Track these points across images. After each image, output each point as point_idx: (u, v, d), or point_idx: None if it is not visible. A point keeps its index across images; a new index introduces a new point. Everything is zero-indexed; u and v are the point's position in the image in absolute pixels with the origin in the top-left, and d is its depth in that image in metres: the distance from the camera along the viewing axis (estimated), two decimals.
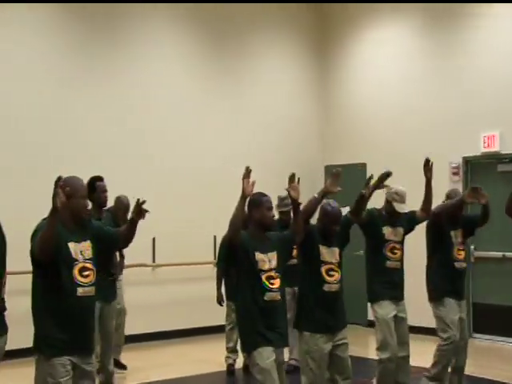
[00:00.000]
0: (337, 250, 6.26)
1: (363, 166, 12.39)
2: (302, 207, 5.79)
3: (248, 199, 5.47)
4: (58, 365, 4.90)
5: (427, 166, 7.02)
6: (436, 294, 7.34)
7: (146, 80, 11.52)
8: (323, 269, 6.13)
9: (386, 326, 6.93)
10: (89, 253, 5.07)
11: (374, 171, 6.73)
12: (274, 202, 6.83)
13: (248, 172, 5.41)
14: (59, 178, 4.63)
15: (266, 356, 5.48)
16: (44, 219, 4.93)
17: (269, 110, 12.96)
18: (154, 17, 11.68)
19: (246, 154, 11.44)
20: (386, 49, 12.87)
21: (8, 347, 5.22)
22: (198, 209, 10.58)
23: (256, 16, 12.86)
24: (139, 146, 11.26)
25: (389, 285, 7.08)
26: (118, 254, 8.76)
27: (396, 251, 7.12)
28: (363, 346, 10.82)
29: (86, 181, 5.79)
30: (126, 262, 9.20)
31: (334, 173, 6.01)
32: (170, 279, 10.61)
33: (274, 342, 5.58)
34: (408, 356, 7.09)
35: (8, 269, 5.16)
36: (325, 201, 6.17)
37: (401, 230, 7.16)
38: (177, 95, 11.86)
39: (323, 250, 6.14)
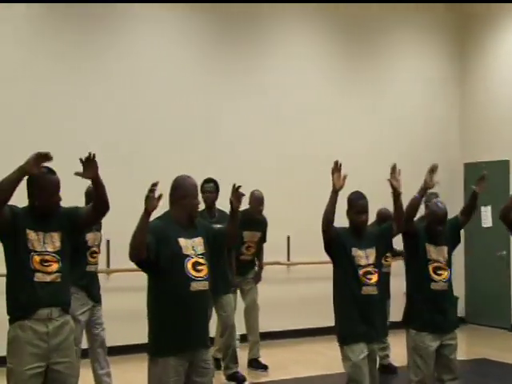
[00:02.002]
0: (445, 248, 6.14)
1: (506, 163, 12.14)
2: (405, 206, 5.80)
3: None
4: (171, 365, 4.81)
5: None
6: None
7: (285, 80, 11.60)
8: (430, 267, 6.02)
9: None
10: (201, 248, 5.01)
11: None
12: None
13: (337, 166, 5.50)
14: (155, 184, 4.64)
15: (357, 352, 5.53)
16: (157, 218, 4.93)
17: (405, 108, 12.80)
18: (287, 17, 11.73)
19: (383, 153, 11.53)
20: None
21: None
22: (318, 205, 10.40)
23: (391, 16, 12.66)
24: (285, 148, 11.41)
25: None
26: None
27: None
28: (505, 350, 10.39)
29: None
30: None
31: (431, 167, 5.89)
32: (304, 277, 10.58)
33: (368, 338, 5.61)
34: None
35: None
36: (434, 200, 6.23)
37: None
38: (313, 95, 11.84)
39: (430, 248, 6.04)
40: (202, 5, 10.87)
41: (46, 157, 4.45)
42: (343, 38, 12.24)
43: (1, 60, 9.54)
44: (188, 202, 4.99)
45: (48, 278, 4.68)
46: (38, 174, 4.62)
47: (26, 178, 4.63)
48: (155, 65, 10.59)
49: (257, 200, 8.91)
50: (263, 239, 9.24)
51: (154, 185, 4.63)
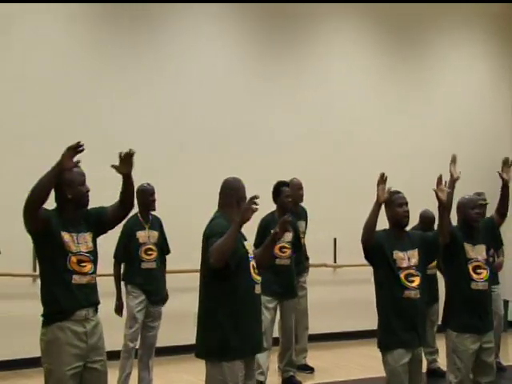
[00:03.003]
0: (483, 247, 6.07)
1: None
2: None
3: None
4: (234, 368, 4.77)
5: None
6: None
7: (332, 79, 11.64)
8: (470, 266, 5.96)
9: None
10: (252, 250, 5.00)
11: None
12: None
13: (382, 178, 5.39)
14: (256, 197, 4.60)
15: (398, 358, 5.43)
16: (212, 222, 4.91)
17: (452, 108, 12.69)
18: (335, 18, 11.73)
19: (435, 154, 11.31)
20: None
21: None
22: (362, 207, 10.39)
23: (442, 16, 12.58)
24: (332, 151, 11.38)
25: None
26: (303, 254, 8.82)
27: None
28: None
29: None
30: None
31: (452, 158, 6.00)
32: (350, 279, 10.56)
33: (410, 343, 5.50)
34: None
35: None
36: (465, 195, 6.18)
37: None
38: (365, 97, 11.89)
39: (468, 247, 5.98)
40: (252, 6, 10.93)
41: (77, 148, 4.42)
42: (395, 38, 12.17)
43: (54, 58, 9.57)
44: (242, 205, 4.80)
45: (84, 280, 4.69)
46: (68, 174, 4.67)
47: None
48: (202, 66, 10.62)
49: (296, 185, 8.77)
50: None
51: (256, 197, 4.61)
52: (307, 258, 9.03)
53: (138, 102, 10.05)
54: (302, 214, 8.88)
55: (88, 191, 4.80)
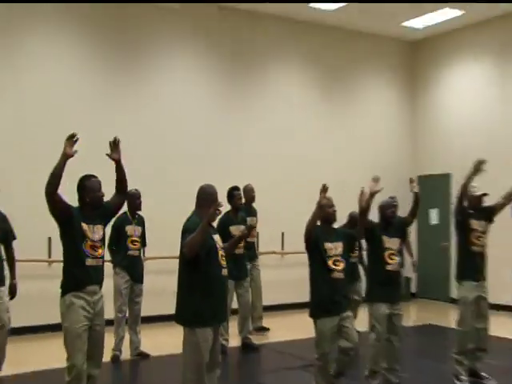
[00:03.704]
0: (397, 239, 6.14)
1: (448, 176, 12.07)
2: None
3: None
4: (205, 334, 4.74)
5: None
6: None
7: (283, 108, 11.64)
8: (386, 254, 6.02)
9: (466, 305, 6.53)
10: (220, 242, 4.97)
11: (457, 179, 6.39)
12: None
13: (324, 188, 5.51)
14: (219, 204, 4.66)
15: (326, 323, 5.54)
16: (188, 220, 4.87)
17: (369, 132, 12.76)
18: (281, 64, 11.62)
19: (355, 168, 11.55)
20: (463, 82, 12.48)
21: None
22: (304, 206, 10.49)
23: (361, 64, 12.71)
24: (280, 162, 11.42)
25: (473, 267, 6.60)
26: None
27: (481, 238, 6.60)
28: (445, 317, 10.51)
29: None
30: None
31: (373, 178, 5.86)
32: (293, 263, 10.57)
33: (335, 312, 5.58)
34: (487, 328, 6.63)
35: None
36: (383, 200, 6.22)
37: (483, 222, 6.67)
38: (303, 119, 11.87)
39: (385, 239, 6.04)
40: (218, 57, 10.95)
41: (73, 138, 4.54)
42: (328, 82, 12.22)
43: (68, 84, 9.61)
44: (213, 207, 4.75)
45: (95, 262, 4.78)
46: (85, 179, 4.85)
47: (76, 185, 4.86)
48: (180, 99, 10.60)
49: (250, 189, 8.85)
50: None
51: (220, 205, 4.65)
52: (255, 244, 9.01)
53: (133, 122, 10.00)
54: (254, 212, 8.89)
55: (103, 196, 4.90)
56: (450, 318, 9.78)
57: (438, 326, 9.87)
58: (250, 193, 8.80)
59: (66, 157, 4.53)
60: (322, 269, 5.56)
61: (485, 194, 6.65)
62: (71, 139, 4.53)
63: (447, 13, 11.46)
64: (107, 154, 4.92)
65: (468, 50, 12.27)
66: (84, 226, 4.72)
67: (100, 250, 4.82)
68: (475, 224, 6.58)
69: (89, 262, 4.73)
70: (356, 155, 12.23)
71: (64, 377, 4.71)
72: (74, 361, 4.65)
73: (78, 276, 4.72)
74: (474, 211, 6.62)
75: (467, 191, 6.52)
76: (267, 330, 9.15)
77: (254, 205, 8.94)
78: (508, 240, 8.68)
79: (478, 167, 6.38)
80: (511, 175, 10.79)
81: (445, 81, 12.75)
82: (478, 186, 6.63)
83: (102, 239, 4.88)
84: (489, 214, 6.69)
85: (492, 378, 6.57)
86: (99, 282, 4.86)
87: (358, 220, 7.64)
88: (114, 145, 4.92)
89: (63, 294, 4.75)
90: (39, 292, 8.56)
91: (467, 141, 12.03)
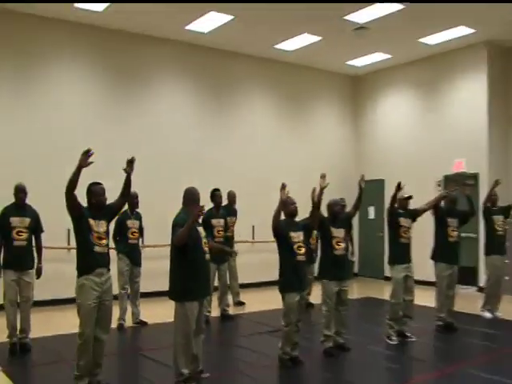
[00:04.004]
0: (343, 230, 6.12)
1: (382, 181, 12.09)
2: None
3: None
4: (192, 306, 4.74)
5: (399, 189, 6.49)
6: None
7: (251, 128, 11.54)
8: (334, 241, 6.02)
9: (398, 283, 6.60)
10: (203, 232, 4.98)
11: (390, 184, 6.43)
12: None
13: (283, 185, 5.48)
14: (202, 207, 4.67)
15: (292, 297, 5.49)
16: (177, 215, 4.84)
17: (322, 146, 12.76)
18: (248, 90, 11.58)
19: (310, 174, 11.28)
20: (392, 106, 12.58)
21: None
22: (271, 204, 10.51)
23: (316, 89, 12.66)
24: (244, 168, 11.28)
25: (402, 254, 6.69)
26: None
27: (407, 232, 6.70)
28: (380, 291, 10.49)
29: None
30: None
31: (321, 175, 5.78)
32: (263, 249, 10.51)
33: (299, 287, 5.53)
34: (412, 299, 6.74)
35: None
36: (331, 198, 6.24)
37: (409, 220, 6.76)
38: (271, 140, 11.74)
39: (333, 229, 6.04)
40: (203, 81, 10.82)
41: (88, 153, 4.48)
42: (287, 107, 12.15)
43: (82, 109, 9.37)
44: (196, 206, 4.79)
45: (101, 250, 4.73)
46: (92, 185, 4.81)
47: (86, 189, 4.81)
48: (172, 117, 10.46)
49: (232, 195, 8.87)
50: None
51: (202, 208, 4.66)
52: (232, 238, 8.82)
53: (131, 138, 9.84)
54: (234, 212, 8.84)
55: (106, 199, 4.85)
56: (384, 292, 9.85)
57: (375, 299, 9.91)
58: (232, 197, 8.86)
59: (81, 167, 4.50)
60: (288, 253, 5.49)
61: (410, 197, 6.75)
62: (86, 154, 4.49)
63: (379, 56, 11.63)
64: (124, 169, 4.90)
65: (397, 85, 12.41)
66: (91, 221, 4.68)
67: (105, 240, 4.76)
68: (403, 221, 6.68)
69: (96, 249, 4.68)
70: (311, 166, 12.11)
71: (76, 340, 4.71)
72: (84, 329, 4.64)
73: (88, 261, 4.67)
74: (403, 211, 6.72)
75: (396, 199, 6.59)
76: (243, 303, 9.09)
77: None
78: (428, 233, 8.72)
79: (397, 188, 6.44)
80: (427, 183, 10.97)
81: (380, 108, 12.83)
82: (405, 191, 6.71)
83: (107, 232, 4.84)
84: (414, 215, 6.81)
85: (414, 336, 6.67)
86: (106, 265, 4.79)
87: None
88: (130, 163, 4.90)
89: (78, 276, 4.70)
90: (60, 273, 8.37)
91: (396, 155, 12.24)
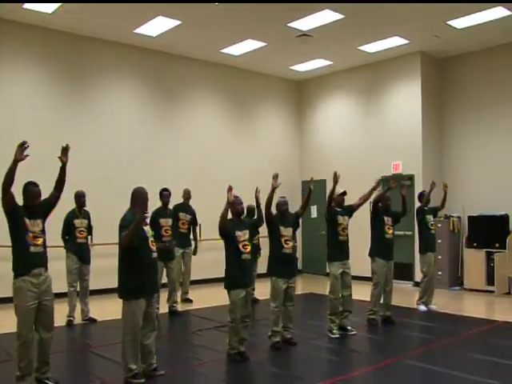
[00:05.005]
0: (291, 228, 6.15)
1: (324, 181, 12.26)
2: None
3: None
4: (139, 304, 4.72)
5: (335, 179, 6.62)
6: None
7: (201, 131, 11.48)
8: (282, 239, 6.04)
9: (336, 279, 6.69)
10: (150, 233, 4.93)
11: (329, 183, 6.56)
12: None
13: (230, 187, 5.48)
14: (145, 212, 4.69)
15: (237, 294, 5.50)
16: (124, 216, 4.79)
17: (268, 148, 12.85)
18: (199, 96, 11.57)
19: (253, 174, 11.59)
20: (334, 111, 12.79)
21: None
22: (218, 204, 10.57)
23: (262, 93, 12.75)
24: (192, 169, 11.25)
25: (340, 251, 6.77)
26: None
27: (345, 230, 6.79)
28: (322, 287, 10.67)
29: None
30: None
31: (274, 175, 5.90)
32: (210, 248, 10.51)
33: (244, 285, 5.55)
34: (351, 294, 6.86)
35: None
36: (279, 198, 6.26)
37: (346, 217, 6.85)
38: (219, 142, 11.74)
39: (282, 228, 6.05)
40: (152, 84, 10.70)
41: (23, 146, 4.25)
42: (234, 110, 12.17)
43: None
44: (145, 205, 4.85)
45: (37, 250, 4.53)
46: (28, 185, 4.59)
47: (21, 192, 4.60)
48: (122, 119, 10.33)
49: (187, 192, 8.88)
50: (195, 221, 8.87)
51: (146, 212, 4.68)
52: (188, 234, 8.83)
53: (82, 138, 9.59)
54: (190, 210, 8.82)
55: (39, 202, 4.63)
56: (326, 288, 9.91)
57: (318, 294, 10.03)
58: (186, 194, 8.83)
59: (16, 161, 4.27)
60: (234, 252, 5.50)
61: (344, 193, 6.82)
62: (22, 146, 4.26)
63: (321, 62, 11.84)
64: (59, 157, 4.65)
65: (338, 90, 12.66)
66: (26, 220, 4.49)
67: (41, 239, 4.56)
68: (341, 219, 6.75)
69: (32, 249, 4.48)
70: (257, 167, 12.27)
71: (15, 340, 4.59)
72: (22, 331, 4.47)
73: (24, 262, 4.47)
74: (339, 209, 6.80)
75: (333, 196, 6.67)
76: (191, 301, 9.06)
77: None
78: (365, 230, 8.92)
79: (335, 178, 6.54)
80: (367, 184, 11.21)
81: (322, 113, 13.05)
82: (340, 188, 6.79)
83: (43, 230, 4.62)
84: (350, 211, 6.90)
85: (354, 330, 6.81)
86: (43, 264, 4.59)
87: (253, 211, 7.73)
88: (65, 150, 4.66)
89: (15, 277, 4.50)
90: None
91: (337, 155, 12.49)
